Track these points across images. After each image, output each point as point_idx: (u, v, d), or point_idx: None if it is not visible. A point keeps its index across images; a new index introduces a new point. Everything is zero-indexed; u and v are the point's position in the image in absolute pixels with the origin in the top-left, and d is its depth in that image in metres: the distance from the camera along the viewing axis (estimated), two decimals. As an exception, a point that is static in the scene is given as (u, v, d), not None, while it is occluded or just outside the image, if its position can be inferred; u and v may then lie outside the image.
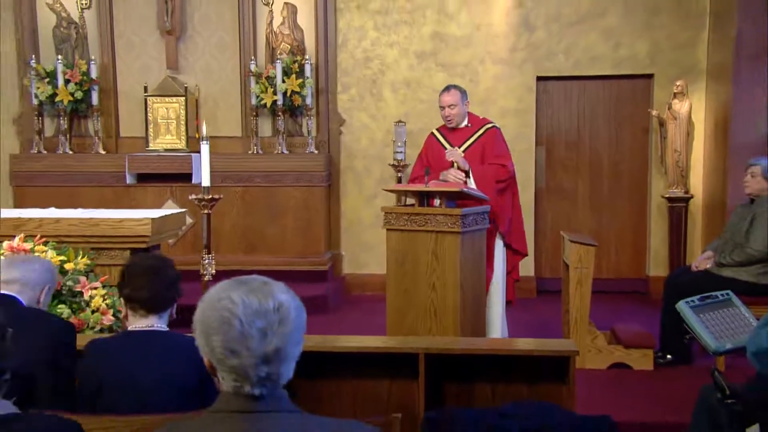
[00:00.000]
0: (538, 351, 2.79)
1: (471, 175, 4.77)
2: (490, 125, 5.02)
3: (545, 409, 2.09)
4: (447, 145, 4.97)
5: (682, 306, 3.96)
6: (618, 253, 7.35)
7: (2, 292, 2.80)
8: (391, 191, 4.85)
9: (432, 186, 4.43)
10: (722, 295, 4.00)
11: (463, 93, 5.01)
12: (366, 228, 7.42)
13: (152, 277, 2.59)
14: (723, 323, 3.80)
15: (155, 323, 2.60)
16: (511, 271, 4.95)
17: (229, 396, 1.56)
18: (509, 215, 4.93)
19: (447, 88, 5.02)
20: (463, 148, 4.88)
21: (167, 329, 2.65)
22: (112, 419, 2.23)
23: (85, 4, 7.41)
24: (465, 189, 4.43)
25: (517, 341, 3.40)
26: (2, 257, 3.04)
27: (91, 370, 2.53)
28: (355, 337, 3.20)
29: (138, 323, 2.61)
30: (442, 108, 5.01)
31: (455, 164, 4.81)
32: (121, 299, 2.66)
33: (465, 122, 5.03)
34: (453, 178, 4.73)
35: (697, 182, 7.08)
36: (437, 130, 5.19)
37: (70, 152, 7.31)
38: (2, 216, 4.67)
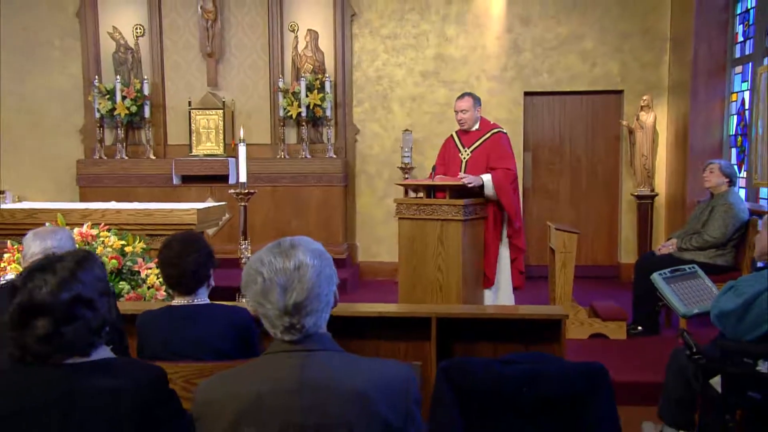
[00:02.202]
0: (536, 315, 2.80)
1: (487, 183, 4.62)
2: (496, 130, 4.91)
3: (543, 357, 2.10)
4: (461, 147, 4.90)
5: (656, 277, 3.96)
6: (594, 243, 7.33)
7: None
8: (403, 185, 4.84)
9: (437, 180, 4.43)
10: (689, 268, 4.00)
11: (476, 100, 4.91)
12: (378, 223, 7.42)
13: (181, 268, 2.47)
14: (690, 292, 3.81)
15: (193, 299, 2.52)
16: (514, 260, 4.81)
17: (276, 341, 1.57)
18: (518, 212, 4.82)
19: (462, 96, 4.94)
20: (472, 149, 4.83)
21: (206, 301, 2.57)
22: (169, 365, 2.17)
23: (140, 32, 7.44)
24: (464, 182, 4.41)
25: (517, 307, 3.40)
26: (29, 232, 2.80)
27: (139, 336, 2.50)
28: (376, 305, 3.20)
29: (178, 300, 2.55)
30: (456, 112, 4.90)
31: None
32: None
33: (476, 126, 4.92)
34: (466, 181, 4.64)
35: (660, 182, 7.06)
36: (455, 132, 5.06)
37: (126, 158, 7.31)
38: (73, 207, 4.72)
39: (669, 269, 3.99)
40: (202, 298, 2.53)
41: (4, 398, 1.58)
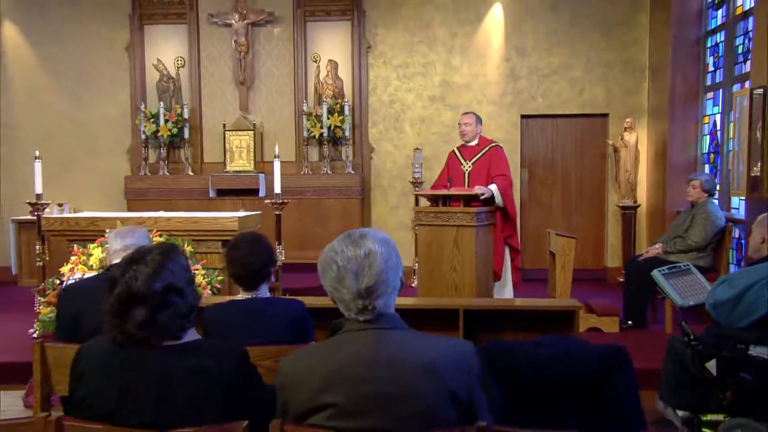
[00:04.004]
0: (553, 306, 2.82)
1: (495, 191, 4.68)
2: (493, 144, 5.02)
3: (570, 340, 2.13)
4: (462, 160, 4.99)
5: (656, 273, 3.98)
6: (583, 249, 7.30)
7: None
8: (422, 195, 4.87)
9: (453, 191, 4.47)
10: (684, 265, 4.02)
11: (478, 118, 5.06)
12: (391, 230, 7.42)
13: (248, 266, 2.46)
14: (686, 286, 3.83)
15: (256, 294, 2.51)
16: (513, 259, 4.89)
17: (351, 321, 1.57)
18: (513, 215, 4.90)
19: (466, 112, 5.14)
20: (473, 161, 4.91)
21: (267, 295, 2.55)
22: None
23: (180, 64, 7.51)
24: (478, 192, 4.45)
25: (535, 300, 3.41)
26: (111, 232, 2.78)
27: (206, 326, 2.47)
28: (408, 298, 3.21)
29: (242, 295, 2.54)
30: (460, 125, 5.06)
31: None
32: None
33: (475, 141, 5.02)
34: (479, 191, 4.68)
35: (642, 194, 7.09)
36: (456, 148, 5.19)
37: (168, 174, 7.35)
38: (130, 216, 4.76)
39: (667, 266, 4.02)
40: (263, 292, 2.53)
41: (111, 376, 1.60)
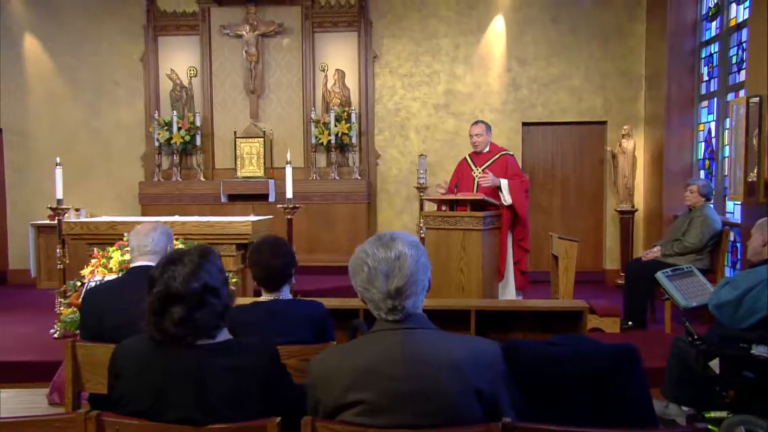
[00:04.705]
0: (562, 307, 2.84)
1: (504, 187, 4.71)
2: (504, 152, 5.04)
3: (583, 338, 2.13)
4: (473, 166, 5.00)
5: (660, 275, 4.00)
6: (582, 252, 7.23)
7: (149, 264, 2.46)
8: (431, 200, 4.89)
9: (460, 196, 4.48)
10: (686, 267, 4.04)
11: (488, 127, 5.06)
12: (396, 234, 7.43)
13: (270, 268, 2.45)
14: (689, 288, 3.84)
15: (279, 295, 2.50)
16: (518, 262, 4.87)
17: (381, 321, 1.57)
18: (527, 216, 4.92)
19: (476, 122, 5.09)
20: (483, 168, 4.91)
21: (289, 297, 2.53)
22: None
23: (193, 73, 7.53)
24: (485, 198, 4.47)
25: (544, 301, 3.43)
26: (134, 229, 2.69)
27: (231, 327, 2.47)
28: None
29: (265, 296, 2.53)
30: (471, 136, 5.04)
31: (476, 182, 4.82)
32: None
33: (486, 149, 5.04)
34: (483, 181, 4.70)
35: (640, 199, 7.10)
36: (468, 155, 5.19)
37: (180, 180, 7.35)
38: (147, 220, 4.74)
39: (670, 269, 4.03)
40: (285, 294, 2.53)
41: (148, 374, 1.61)
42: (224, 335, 1.69)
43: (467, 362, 1.50)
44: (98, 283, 3.58)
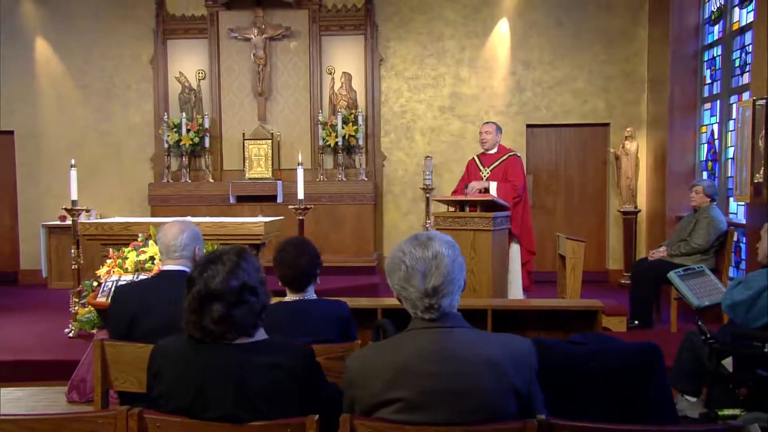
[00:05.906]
0: (577, 306, 2.85)
1: (493, 190, 4.76)
2: (512, 153, 5.08)
3: (604, 338, 2.15)
4: (481, 167, 5.03)
5: (672, 275, 4.01)
6: (586, 252, 7.14)
7: (179, 268, 2.45)
8: (441, 201, 4.90)
9: (470, 197, 4.50)
10: (698, 267, 4.05)
11: (498, 128, 5.12)
12: (402, 234, 7.41)
13: (296, 269, 2.43)
14: (701, 287, 3.85)
15: (304, 295, 2.49)
16: (525, 263, 4.91)
17: (417, 319, 1.57)
18: (520, 221, 4.96)
19: (488, 122, 5.20)
20: (491, 168, 4.95)
21: (314, 297, 2.51)
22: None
23: (201, 76, 7.54)
24: (495, 199, 4.48)
25: (559, 300, 3.45)
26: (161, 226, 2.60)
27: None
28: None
29: (291, 296, 2.52)
30: (481, 133, 5.11)
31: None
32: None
33: (495, 149, 5.08)
34: (473, 189, 4.79)
35: (642, 200, 7.11)
36: (476, 156, 5.23)
37: (189, 181, 7.35)
38: (160, 221, 4.75)
39: (682, 269, 4.04)
40: (310, 294, 2.52)
41: (188, 372, 1.62)
42: (261, 334, 1.70)
43: (503, 360, 1.51)
44: (128, 282, 3.51)
